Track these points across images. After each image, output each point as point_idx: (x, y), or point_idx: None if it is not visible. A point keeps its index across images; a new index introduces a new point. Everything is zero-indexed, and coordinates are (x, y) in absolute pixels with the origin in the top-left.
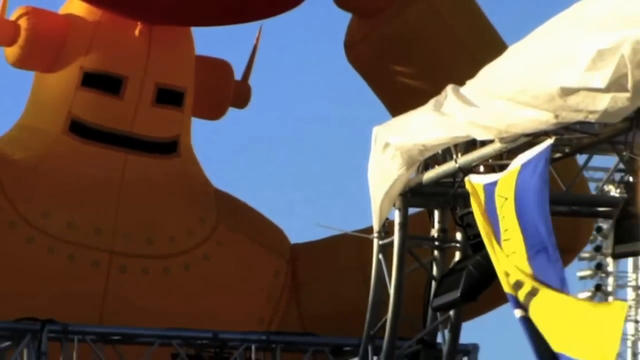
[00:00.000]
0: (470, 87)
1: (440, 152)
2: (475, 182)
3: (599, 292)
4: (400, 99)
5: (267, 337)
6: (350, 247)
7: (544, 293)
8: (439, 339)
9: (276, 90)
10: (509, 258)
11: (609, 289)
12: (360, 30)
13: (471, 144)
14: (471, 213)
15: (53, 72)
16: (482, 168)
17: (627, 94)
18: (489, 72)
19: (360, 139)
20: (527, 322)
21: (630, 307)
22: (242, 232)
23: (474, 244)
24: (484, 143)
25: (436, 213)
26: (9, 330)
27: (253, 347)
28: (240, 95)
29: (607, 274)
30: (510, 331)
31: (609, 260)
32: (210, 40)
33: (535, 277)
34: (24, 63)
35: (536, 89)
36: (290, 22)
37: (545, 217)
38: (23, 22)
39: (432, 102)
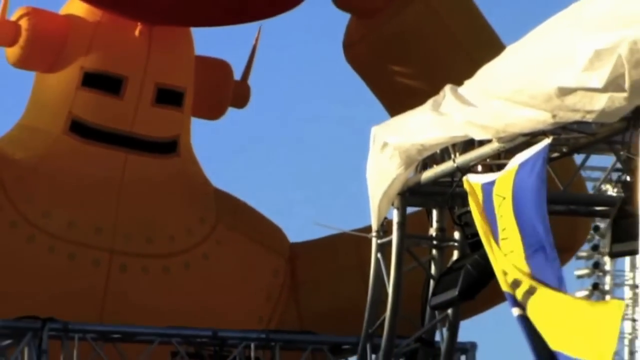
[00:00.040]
0: (468, 87)
1: (438, 151)
2: (473, 181)
3: (597, 291)
4: (398, 98)
5: (267, 336)
6: (349, 246)
7: (542, 292)
8: (437, 338)
9: (275, 90)
10: (507, 257)
11: (607, 287)
12: (358, 31)
13: (469, 144)
14: (469, 212)
15: (53, 72)
16: (480, 167)
17: (625, 94)
18: (486, 72)
19: (359, 139)
20: (524, 320)
21: (627, 305)
22: (242, 232)
23: (472, 243)
24: (481, 143)
25: (434, 212)
26: (10, 329)
27: (252, 346)
28: (239, 95)
29: (605, 272)
30: (508, 330)
31: (607, 259)
32: (210, 41)
33: (533, 276)
34: (24, 63)
35: (534, 88)
36: (290, 22)
37: (542, 216)
38: (24, 23)
39: (430, 102)
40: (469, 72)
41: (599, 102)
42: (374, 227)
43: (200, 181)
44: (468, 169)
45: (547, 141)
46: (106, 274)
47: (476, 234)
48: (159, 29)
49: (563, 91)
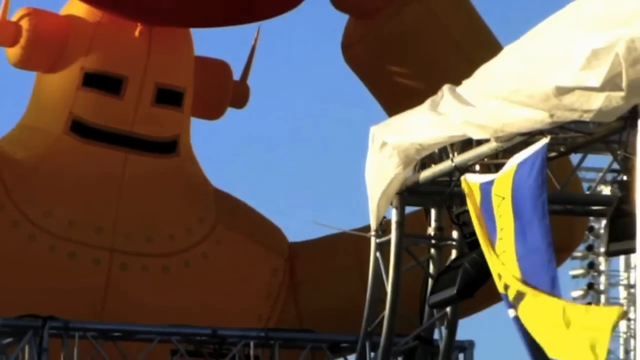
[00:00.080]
0: (466, 86)
1: (436, 151)
2: (471, 181)
3: (591, 291)
4: (396, 99)
5: (266, 334)
6: (348, 245)
7: (531, 297)
8: (436, 336)
9: (275, 90)
10: (500, 258)
11: (601, 287)
12: (357, 31)
13: (467, 143)
14: (467, 211)
15: (54, 72)
16: (478, 167)
17: (622, 93)
18: (484, 72)
19: (358, 139)
20: (520, 321)
21: (622, 305)
22: (241, 231)
23: (470, 242)
24: (480, 142)
25: (433, 211)
26: (10, 327)
27: (252, 344)
28: (238, 95)
29: (600, 272)
30: (506, 328)
31: (601, 259)
32: (209, 41)
33: (523, 280)
34: (25, 64)
35: (531, 88)
36: (289, 22)
37: (542, 216)
38: (25, 23)
39: (428, 101)
40: (467, 73)
41: (597, 102)
42: (373, 226)
43: (200, 181)
44: (466, 168)
45: (545, 141)
46: (106, 272)
47: (474, 233)
48: (158, 30)
49: (560, 90)
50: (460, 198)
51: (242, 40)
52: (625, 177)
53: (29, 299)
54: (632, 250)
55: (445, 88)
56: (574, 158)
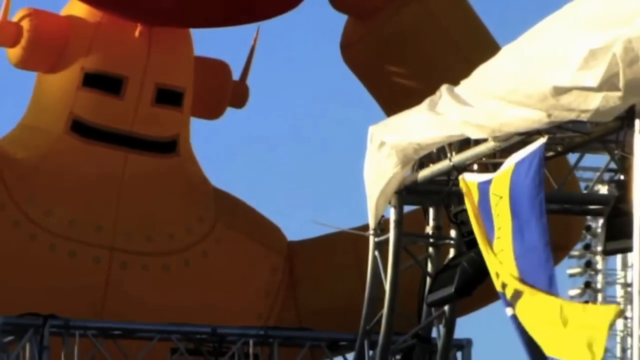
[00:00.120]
0: (465, 86)
1: (434, 150)
2: (469, 180)
3: (589, 289)
4: (395, 99)
5: (265, 332)
6: (347, 244)
7: (529, 295)
8: (434, 334)
9: (274, 91)
10: (498, 257)
11: (599, 286)
12: (356, 32)
13: (465, 143)
14: (465, 211)
15: (55, 72)
16: (475, 166)
17: (619, 93)
18: (482, 72)
19: (356, 139)
20: (517, 320)
21: (619, 303)
22: (240, 230)
23: (468, 241)
24: (477, 142)
25: (431, 211)
26: (12, 325)
27: (251, 342)
28: (238, 95)
29: (597, 271)
30: (504, 327)
31: (598, 258)
32: (209, 41)
33: (521, 279)
34: (26, 64)
35: (529, 88)
36: (288, 22)
37: (539, 215)
38: (25, 24)
39: (426, 101)
40: (466, 73)
41: (594, 101)
42: (372, 225)
43: (200, 180)
44: (464, 167)
45: (542, 140)
46: (107, 271)
47: (472, 232)
48: (158, 30)
49: (558, 90)
50: (458, 197)
51: (241, 40)
52: (622, 177)
53: (29, 297)
54: (629, 249)
55: (444, 88)
56: (572, 157)
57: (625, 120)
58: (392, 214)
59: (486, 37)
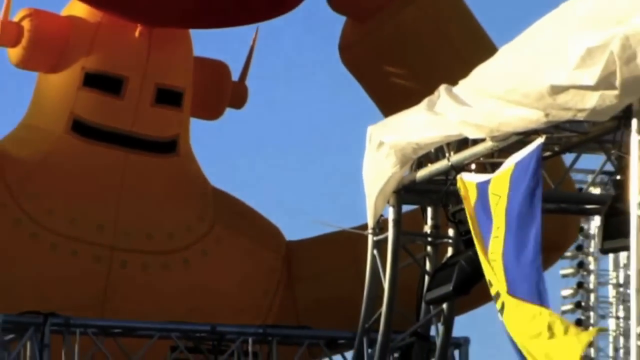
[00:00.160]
0: (463, 86)
1: (433, 150)
2: (467, 180)
3: (581, 290)
4: (393, 100)
5: (264, 330)
6: (345, 243)
7: (515, 307)
8: (432, 332)
9: (273, 90)
10: (491, 265)
11: (591, 286)
12: (354, 33)
13: (463, 143)
14: (463, 210)
15: (55, 72)
16: (473, 166)
17: (615, 92)
18: (480, 72)
19: (355, 138)
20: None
21: (611, 303)
22: (239, 230)
23: (466, 240)
24: (475, 142)
25: (429, 210)
26: (12, 324)
27: (250, 340)
28: (237, 95)
29: (589, 272)
30: (501, 326)
31: (591, 259)
32: (208, 42)
33: (507, 288)
34: (27, 64)
35: (526, 87)
36: (288, 23)
37: (534, 216)
38: (26, 24)
39: (425, 101)
40: (463, 74)
41: (591, 101)
42: (370, 224)
43: (199, 180)
44: (462, 167)
45: (540, 140)
46: (107, 270)
47: (470, 231)
48: (158, 31)
49: (555, 89)
50: (456, 196)
51: (240, 41)
52: (618, 177)
53: (30, 296)
54: (626, 248)
55: (442, 88)
56: (568, 157)
57: (622, 120)
58: (390, 213)
59: (484, 38)
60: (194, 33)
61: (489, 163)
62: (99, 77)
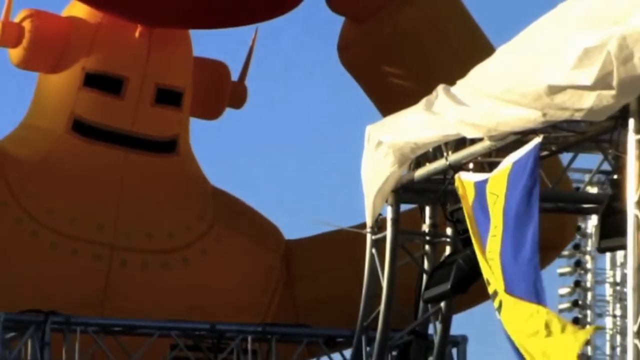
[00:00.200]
0: (461, 86)
1: (431, 150)
2: (465, 179)
3: (578, 288)
4: (391, 100)
5: (263, 329)
6: (344, 242)
7: (512, 305)
8: (430, 330)
9: (273, 90)
10: (489, 264)
11: (588, 285)
12: (352, 34)
13: (461, 142)
14: (461, 209)
15: (56, 72)
16: (471, 165)
17: (612, 92)
18: (478, 72)
19: (355, 138)
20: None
21: (608, 302)
22: (239, 229)
23: (464, 239)
24: (473, 141)
25: (427, 209)
26: (13, 322)
27: (249, 338)
28: (236, 95)
29: (586, 270)
30: (499, 324)
31: (588, 257)
32: (208, 42)
33: (505, 286)
34: (27, 64)
35: (524, 87)
36: (287, 23)
37: (532, 216)
38: (27, 24)
39: (423, 101)
40: (461, 74)
41: (588, 100)
42: (369, 223)
43: (199, 180)
44: (460, 166)
45: (537, 140)
46: (107, 269)
47: (467, 230)
48: (158, 31)
49: (553, 89)
50: (454, 195)
51: (240, 41)
52: (615, 176)
53: (31, 294)
54: (623, 246)
55: (440, 88)
56: (565, 157)
57: (619, 120)
58: (389, 212)
59: (481, 38)
60: (193, 33)
61: (486, 162)
62: (99, 77)
